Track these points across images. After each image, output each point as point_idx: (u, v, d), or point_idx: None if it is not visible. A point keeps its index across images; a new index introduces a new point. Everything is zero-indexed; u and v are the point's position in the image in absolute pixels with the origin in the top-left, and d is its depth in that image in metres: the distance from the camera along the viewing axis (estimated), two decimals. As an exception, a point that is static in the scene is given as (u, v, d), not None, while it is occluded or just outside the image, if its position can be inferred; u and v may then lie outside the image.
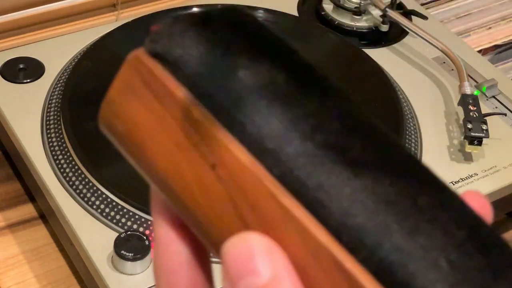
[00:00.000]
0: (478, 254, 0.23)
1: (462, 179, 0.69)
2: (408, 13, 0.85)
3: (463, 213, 0.25)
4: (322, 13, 0.85)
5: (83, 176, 0.63)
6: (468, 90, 0.74)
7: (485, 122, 0.70)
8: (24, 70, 0.74)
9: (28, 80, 0.73)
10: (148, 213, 0.61)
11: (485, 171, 0.70)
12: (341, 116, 0.26)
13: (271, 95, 0.26)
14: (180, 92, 0.27)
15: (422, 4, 0.96)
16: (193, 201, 0.26)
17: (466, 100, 0.72)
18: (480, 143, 0.69)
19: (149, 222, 0.61)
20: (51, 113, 0.69)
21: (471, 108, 0.71)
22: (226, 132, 0.26)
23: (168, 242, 0.28)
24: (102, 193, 0.62)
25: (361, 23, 0.84)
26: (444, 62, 0.81)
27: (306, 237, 0.24)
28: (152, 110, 0.27)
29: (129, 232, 0.59)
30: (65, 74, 0.73)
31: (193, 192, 0.26)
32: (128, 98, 0.28)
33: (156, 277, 0.28)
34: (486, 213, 0.26)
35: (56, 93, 0.71)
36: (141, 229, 0.60)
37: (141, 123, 0.27)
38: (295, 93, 0.26)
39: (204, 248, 0.28)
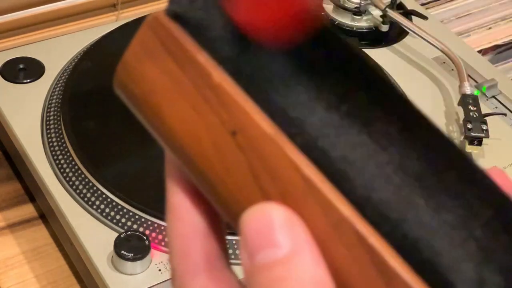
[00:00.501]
0: (504, 233, 0.23)
1: (462, 179, 0.68)
2: (408, 13, 0.85)
3: (490, 191, 0.24)
4: (322, 13, 0.85)
5: (83, 176, 0.63)
6: (468, 90, 0.74)
7: (485, 122, 0.70)
8: (24, 70, 0.74)
9: (28, 80, 0.73)
10: (148, 213, 0.61)
11: (485, 171, 0.70)
12: (368, 87, 0.25)
13: (297, 62, 0.25)
14: (201, 56, 0.25)
15: (422, 4, 0.96)
16: (210, 168, 0.25)
17: (466, 100, 0.72)
18: (480, 143, 0.69)
19: (149, 222, 0.61)
20: (51, 113, 0.69)
21: (471, 108, 0.71)
22: (248, 99, 0.25)
23: (183, 210, 0.27)
24: (102, 193, 0.62)
25: (361, 23, 0.84)
26: (444, 62, 0.81)
27: (328, 209, 0.23)
28: (170, 73, 0.26)
29: (129, 232, 0.59)
30: (65, 74, 0.73)
31: (211, 159, 0.25)
32: (145, 61, 0.27)
33: (170, 245, 0.27)
34: (510, 190, 0.26)
35: (56, 93, 0.71)
36: (141, 229, 0.60)
37: (159, 87, 0.26)
38: (321, 62, 0.25)
39: (219, 217, 0.27)
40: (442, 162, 0.24)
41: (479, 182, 0.24)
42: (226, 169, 0.25)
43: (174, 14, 0.26)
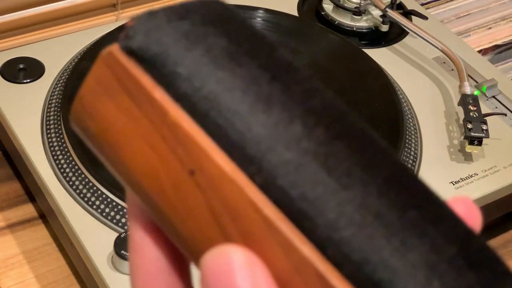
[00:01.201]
0: (469, 270, 0.23)
1: (462, 179, 0.69)
2: (408, 13, 0.85)
3: (454, 226, 0.24)
4: (322, 13, 0.85)
5: (83, 176, 0.63)
6: (468, 90, 0.74)
7: (485, 122, 0.70)
8: (24, 70, 0.74)
9: (28, 80, 0.73)
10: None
11: (485, 171, 0.70)
12: (328, 121, 0.24)
13: (254, 98, 0.24)
14: (157, 92, 0.25)
15: (422, 4, 0.96)
16: (170, 208, 0.25)
17: (466, 100, 0.72)
18: (480, 143, 0.69)
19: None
20: (51, 113, 0.69)
21: (471, 108, 0.71)
22: (205, 137, 0.24)
23: (145, 247, 0.26)
24: (102, 193, 0.62)
25: (361, 23, 0.84)
26: (444, 62, 0.81)
27: (290, 250, 0.23)
28: (127, 110, 0.25)
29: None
30: (65, 74, 0.73)
31: (170, 199, 0.25)
32: (101, 97, 0.26)
33: (132, 283, 0.27)
34: (475, 220, 0.26)
35: (56, 93, 0.71)
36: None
37: (115, 124, 0.26)
38: (279, 96, 0.24)
39: (183, 255, 0.26)
40: (404, 198, 0.23)
41: (442, 218, 0.24)
42: (186, 209, 0.24)
43: (129, 50, 0.26)
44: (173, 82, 0.25)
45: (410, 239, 0.23)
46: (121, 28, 0.77)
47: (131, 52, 0.26)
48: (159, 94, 0.25)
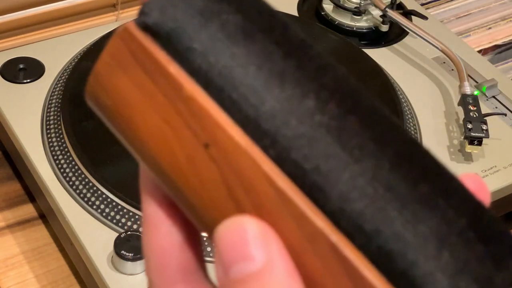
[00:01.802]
0: (478, 243, 0.23)
1: (462, 179, 0.68)
2: (408, 13, 0.85)
3: (464, 199, 0.24)
4: (322, 13, 0.85)
5: (83, 176, 0.63)
6: (468, 90, 0.74)
7: (485, 122, 0.70)
8: (24, 70, 0.74)
9: (28, 80, 0.73)
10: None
11: (485, 171, 0.70)
12: (341, 97, 0.25)
13: (268, 73, 0.25)
14: (172, 67, 0.25)
15: (422, 4, 0.96)
16: (184, 181, 0.25)
17: (466, 100, 0.72)
18: (480, 143, 0.69)
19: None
20: (51, 113, 0.69)
21: (471, 108, 0.71)
22: (220, 111, 0.25)
23: (158, 222, 0.26)
24: (102, 193, 0.62)
25: (361, 23, 0.84)
26: (444, 62, 0.81)
27: (303, 221, 0.23)
28: (141, 85, 0.26)
29: (129, 232, 0.59)
30: (65, 74, 0.73)
31: (184, 172, 0.25)
32: (116, 72, 0.26)
33: (146, 258, 0.27)
34: (484, 195, 0.26)
35: (56, 93, 0.71)
36: (141, 229, 0.60)
37: (130, 99, 0.26)
38: (293, 72, 0.25)
39: (195, 229, 0.27)
40: (415, 171, 0.24)
41: (452, 191, 0.24)
42: (200, 181, 0.25)
43: (144, 26, 0.26)
44: (188, 58, 0.25)
45: (421, 211, 0.23)
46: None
47: (146, 28, 0.26)
48: (174, 69, 0.25)
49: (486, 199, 0.26)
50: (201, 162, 0.25)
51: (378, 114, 0.25)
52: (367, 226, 0.23)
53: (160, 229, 0.26)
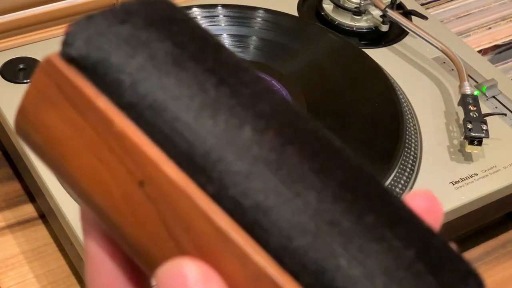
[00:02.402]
0: (428, 274, 0.22)
1: (462, 179, 0.68)
2: (408, 13, 0.85)
3: (411, 227, 0.23)
4: (322, 13, 0.85)
5: (83, 176, 0.63)
6: (468, 90, 0.74)
7: (485, 122, 0.70)
8: (24, 70, 0.74)
9: (28, 80, 0.73)
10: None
11: (485, 171, 0.70)
12: (278, 125, 0.24)
13: (201, 104, 0.23)
14: (101, 101, 0.24)
15: (422, 4, 0.96)
16: (122, 220, 0.24)
17: (466, 100, 0.72)
18: (480, 143, 0.69)
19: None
20: (51, 113, 0.69)
21: (471, 108, 0.71)
22: (153, 146, 0.23)
23: (100, 261, 0.25)
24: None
25: (361, 23, 0.84)
26: (444, 62, 0.81)
27: (245, 261, 0.22)
28: (71, 121, 0.24)
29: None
30: (65, 74, 0.73)
31: (121, 211, 0.24)
32: (44, 108, 0.25)
33: None
34: (436, 214, 0.25)
35: (56, 93, 0.71)
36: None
37: (60, 136, 0.25)
38: (227, 101, 0.24)
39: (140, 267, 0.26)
40: (360, 202, 0.23)
41: (400, 219, 0.23)
42: (138, 221, 0.24)
43: (69, 57, 0.25)
44: (116, 91, 0.24)
45: (367, 245, 0.22)
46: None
47: (71, 60, 0.25)
48: (103, 103, 0.24)
49: (438, 218, 0.25)
50: (138, 201, 0.23)
51: (319, 141, 0.24)
52: (311, 264, 0.22)
53: (102, 268, 0.26)
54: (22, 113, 0.26)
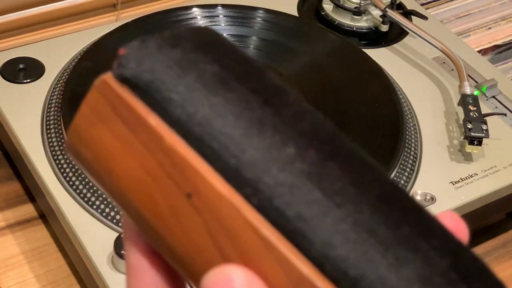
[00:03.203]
0: (461, 283, 0.23)
1: (462, 179, 0.69)
2: (408, 13, 0.85)
3: (444, 239, 0.24)
4: (322, 13, 0.85)
5: (83, 176, 0.63)
6: (468, 90, 0.74)
7: (485, 122, 0.70)
8: (24, 70, 0.74)
9: (28, 80, 0.73)
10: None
11: (485, 171, 0.70)
12: (319, 143, 0.25)
13: (247, 122, 0.25)
14: (152, 119, 0.25)
15: (422, 4, 0.96)
16: (167, 231, 0.25)
17: (466, 100, 0.72)
18: (480, 143, 0.69)
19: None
20: (51, 113, 0.69)
21: (471, 108, 0.71)
22: (201, 160, 0.25)
23: (141, 270, 0.26)
24: (102, 193, 0.62)
25: (361, 23, 0.84)
26: (444, 62, 0.81)
27: (288, 268, 0.23)
28: (122, 137, 0.26)
29: (129, 232, 0.59)
30: (65, 74, 0.73)
31: (168, 222, 0.25)
32: (96, 125, 0.26)
33: None
34: (463, 233, 0.26)
35: (56, 93, 0.71)
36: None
37: (111, 151, 0.26)
38: (271, 119, 0.25)
39: (181, 277, 0.27)
40: (396, 214, 0.24)
41: (433, 232, 0.24)
42: (184, 231, 0.25)
43: (122, 78, 0.26)
44: (167, 109, 0.26)
45: (404, 254, 0.23)
46: (121, 28, 0.77)
47: (124, 80, 0.26)
48: (154, 120, 0.25)
49: (464, 237, 0.26)
50: (184, 212, 0.25)
51: (357, 158, 0.26)
52: (351, 271, 0.23)
53: (144, 278, 0.26)
54: (74, 130, 0.27)
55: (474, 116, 0.71)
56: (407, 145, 0.69)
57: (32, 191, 0.70)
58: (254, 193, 0.24)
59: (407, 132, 0.70)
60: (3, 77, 0.73)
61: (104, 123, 0.26)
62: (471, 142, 0.69)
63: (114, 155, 0.26)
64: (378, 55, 0.80)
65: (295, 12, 0.84)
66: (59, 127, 0.67)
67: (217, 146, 0.25)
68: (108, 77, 0.27)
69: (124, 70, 0.26)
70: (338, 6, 0.84)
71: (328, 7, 0.85)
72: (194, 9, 0.80)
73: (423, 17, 0.83)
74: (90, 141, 0.27)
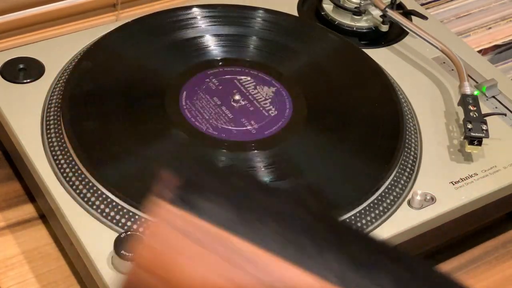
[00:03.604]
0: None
1: (462, 179, 0.69)
2: (408, 13, 0.85)
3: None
4: (322, 13, 0.85)
5: (83, 176, 0.63)
6: (468, 90, 0.74)
7: (485, 122, 0.70)
8: (24, 70, 0.74)
9: (28, 80, 0.73)
10: (148, 213, 0.61)
11: (485, 171, 0.70)
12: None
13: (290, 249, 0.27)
14: (230, 235, 0.27)
15: (422, 4, 0.96)
16: None
17: (466, 100, 0.72)
18: (480, 143, 0.69)
19: (149, 222, 0.60)
20: (51, 113, 0.69)
21: (471, 108, 0.71)
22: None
23: None
24: (102, 193, 0.62)
25: (361, 23, 0.84)
26: (444, 62, 0.81)
27: None
28: (194, 254, 0.27)
29: (129, 232, 0.59)
30: (65, 74, 0.73)
31: None
32: (165, 252, 0.28)
33: None
34: None
35: (56, 93, 0.71)
36: (141, 229, 0.60)
37: (183, 267, 0.28)
38: (316, 251, 0.28)
39: None
40: None
41: None
42: None
43: (187, 203, 0.28)
44: (229, 227, 0.28)
45: None
46: (121, 28, 0.77)
47: (187, 206, 0.28)
48: (232, 236, 0.28)
49: None
50: None
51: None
52: None
53: None
54: (141, 268, 0.29)
55: (474, 116, 0.71)
56: (407, 145, 0.69)
57: (32, 191, 0.70)
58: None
59: (407, 132, 0.70)
60: (3, 77, 0.73)
61: (173, 249, 0.28)
62: (471, 142, 0.69)
63: (186, 268, 0.28)
64: (378, 55, 0.80)
65: (295, 12, 0.84)
66: (59, 127, 0.67)
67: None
68: (166, 205, 0.29)
69: (189, 197, 0.28)
70: (338, 6, 0.84)
71: (328, 7, 0.85)
72: (194, 9, 0.80)
73: (423, 17, 0.83)
74: (166, 267, 0.28)
